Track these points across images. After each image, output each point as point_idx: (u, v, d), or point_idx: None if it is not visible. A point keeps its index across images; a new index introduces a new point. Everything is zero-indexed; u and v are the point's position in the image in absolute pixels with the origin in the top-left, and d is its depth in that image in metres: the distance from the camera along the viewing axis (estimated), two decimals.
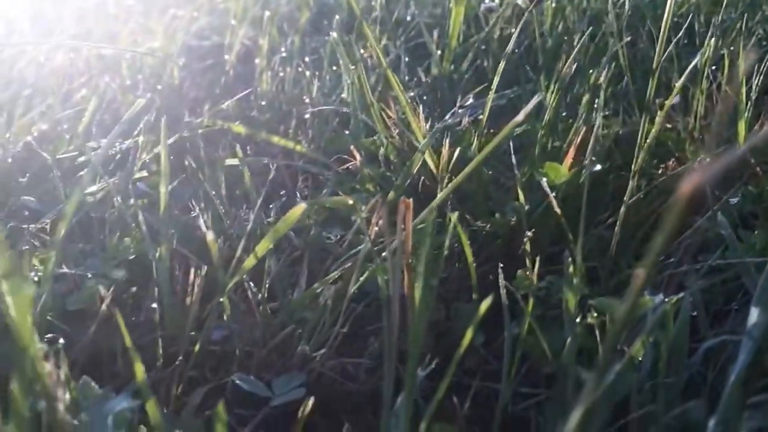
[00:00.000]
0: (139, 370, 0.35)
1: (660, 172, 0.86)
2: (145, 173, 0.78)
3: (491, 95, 0.72)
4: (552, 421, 0.52)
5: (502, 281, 0.54)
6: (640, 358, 0.50)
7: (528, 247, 0.61)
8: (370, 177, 0.77)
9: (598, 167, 0.59)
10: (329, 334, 0.55)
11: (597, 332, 0.53)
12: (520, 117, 0.45)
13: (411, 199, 0.43)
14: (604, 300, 0.51)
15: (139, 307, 0.60)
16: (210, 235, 0.46)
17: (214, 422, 0.36)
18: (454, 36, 1.15)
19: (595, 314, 0.54)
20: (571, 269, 0.52)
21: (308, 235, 0.69)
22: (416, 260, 0.46)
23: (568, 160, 0.69)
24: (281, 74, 1.21)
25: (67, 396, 0.36)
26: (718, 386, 0.55)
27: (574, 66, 0.80)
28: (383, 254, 0.50)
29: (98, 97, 0.97)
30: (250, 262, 0.49)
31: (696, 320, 0.60)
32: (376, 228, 0.51)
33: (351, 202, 0.51)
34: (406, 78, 1.17)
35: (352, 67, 0.81)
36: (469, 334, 0.40)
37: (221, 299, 0.50)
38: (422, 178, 0.77)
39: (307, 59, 1.24)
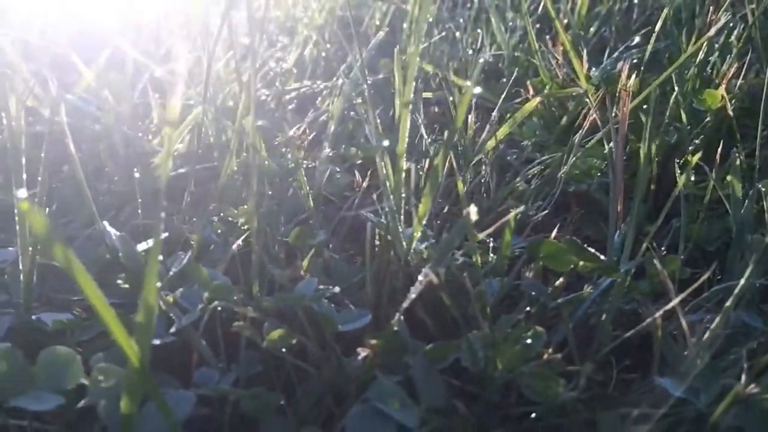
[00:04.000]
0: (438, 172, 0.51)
1: None
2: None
3: (652, 38, 0.86)
4: (726, 274, 0.65)
5: (678, 173, 0.68)
6: None
7: (691, 158, 0.75)
8: (537, 109, 0.92)
9: None
10: (536, 211, 0.71)
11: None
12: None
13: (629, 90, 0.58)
14: None
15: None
16: (472, 117, 0.62)
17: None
18: (584, 2, 1.28)
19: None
20: (738, 162, 0.66)
21: (496, 151, 0.84)
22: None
23: (720, 91, 0.82)
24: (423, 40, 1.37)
25: None
26: None
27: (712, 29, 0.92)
28: (606, 127, 0.65)
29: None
30: (491, 144, 0.65)
31: None
32: (594, 117, 0.66)
33: (581, 91, 0.67)
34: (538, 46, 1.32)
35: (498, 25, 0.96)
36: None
37: (463, 173, 0.66)
38: (582, 109, 0.91)
39: (449, 25, 1.40)
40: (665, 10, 0.87)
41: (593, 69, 0.94)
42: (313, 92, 1.09)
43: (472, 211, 0.42)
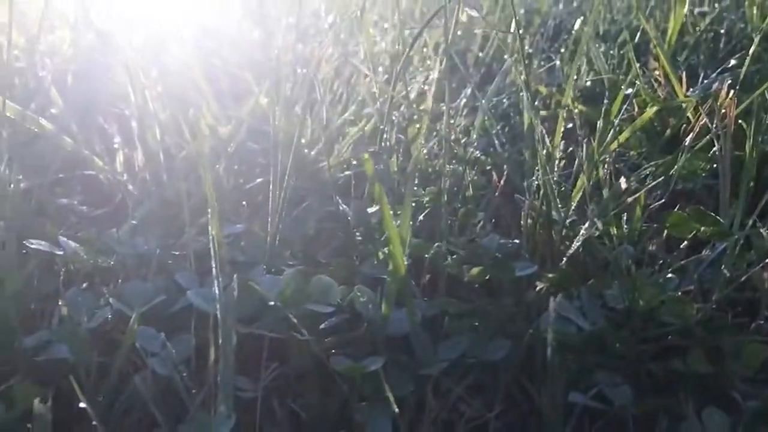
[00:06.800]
0: (594, 155, 0.66)
1: None
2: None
3: (747, 62, 0.99)
4: None
5: None
6: None
7: None
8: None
9: None
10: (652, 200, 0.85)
11: None
12: None
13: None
14: None
15: None
16: (584, 131, 0.77)
17: None
18: (674, 32, 1.41)
19: None
20: None
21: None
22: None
23: None
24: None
25: None
26: None
27: None
28: (714, 131, 0.78)
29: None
30: (613, 145, 0.80)
31: None
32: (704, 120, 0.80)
33: (691, 102, 0.81)
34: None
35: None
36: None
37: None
38: (682, 124, 1.05)
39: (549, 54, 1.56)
40: (756, 38, 1.00)
41: (690, 90, 1.07)
42: (440, 111, 1.27)
43: (622, 182, 0.57)
